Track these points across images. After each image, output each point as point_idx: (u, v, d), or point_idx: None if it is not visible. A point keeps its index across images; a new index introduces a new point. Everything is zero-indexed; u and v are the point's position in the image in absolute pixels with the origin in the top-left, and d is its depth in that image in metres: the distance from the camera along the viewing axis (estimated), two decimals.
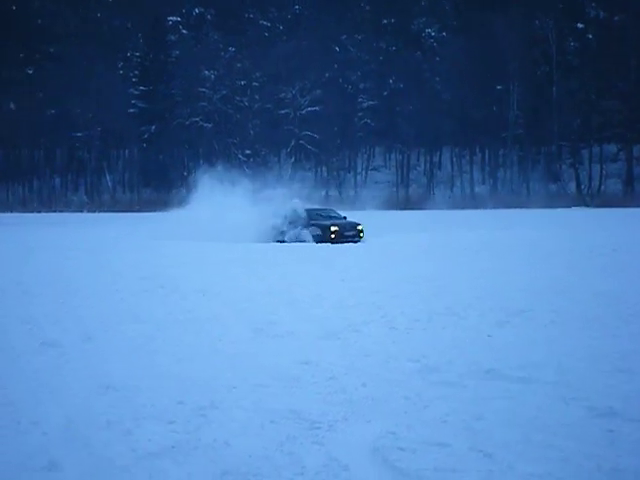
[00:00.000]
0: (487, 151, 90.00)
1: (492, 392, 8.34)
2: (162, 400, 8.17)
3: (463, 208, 72.16)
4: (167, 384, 8.85)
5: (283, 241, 33.88)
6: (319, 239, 33.51)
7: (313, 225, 34.21)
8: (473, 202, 78.70)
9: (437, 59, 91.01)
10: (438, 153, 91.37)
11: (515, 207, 71.56)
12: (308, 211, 35.27)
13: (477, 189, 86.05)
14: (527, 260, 24.20)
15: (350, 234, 33.73)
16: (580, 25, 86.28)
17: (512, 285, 17.65)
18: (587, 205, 73.63)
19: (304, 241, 33.50)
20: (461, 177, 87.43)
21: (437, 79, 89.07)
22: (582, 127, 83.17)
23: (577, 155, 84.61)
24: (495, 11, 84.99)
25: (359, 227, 34.09)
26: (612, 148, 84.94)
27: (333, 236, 33.45)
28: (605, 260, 24.19)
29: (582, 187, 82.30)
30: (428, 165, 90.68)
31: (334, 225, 34.03)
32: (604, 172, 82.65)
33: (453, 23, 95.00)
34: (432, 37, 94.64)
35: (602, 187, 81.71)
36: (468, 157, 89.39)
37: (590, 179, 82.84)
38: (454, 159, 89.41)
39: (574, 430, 6.97)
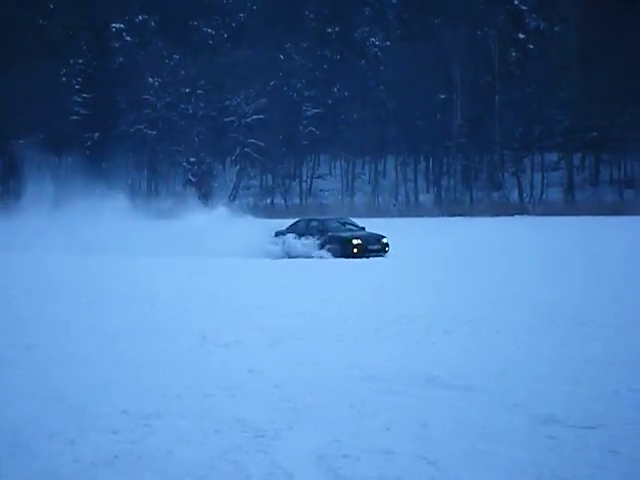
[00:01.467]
0: (431, 159, 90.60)
1: (437, 400, 8.39)
2: (106, 409, 8.11)
3: (407, 216, 72.62)
4: (111, 393, 8.78)
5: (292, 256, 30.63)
6: (338, 253, 30.04)
7: (330, 238, 30.75)
8: (417, 210, 79.21)
9: (381, 68, 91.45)
10: (383, 161, 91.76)
11: (458, 215, 72.11)
12: (323, 222, 32.40)
13: (421, 197, 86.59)
14: (473, 269, 24.39)
15: (375, 248, 30.44)
16: (521, 35, 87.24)
17: (459, 294, 17.78)
18: (529, 213, 74.41)
19: (317, 256, 30.17)
20: (405, 185, 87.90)
21: (381, 87, 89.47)
22: (524, 136, 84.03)
23: (519, 164, 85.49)
24: (438, 21, 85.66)
25: (384, 240, 30.76)
26: (553, 157, 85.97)
27: (356, 250, 30.13)
28: (548, 269, 24.46)
29: (524, 195, 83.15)
30: (373, 173, 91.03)
31: (356, 238, 30.65)
32: (545, 181, 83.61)
33: (397, 32, 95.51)
34: (376, 46, 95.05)
35: (543, 195, 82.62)
36: (412, 165, 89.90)
37: (532, 187, 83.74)
38: (398, 167, 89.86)
39: (517, 437, 7.04)
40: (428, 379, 9.30)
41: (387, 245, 30.59)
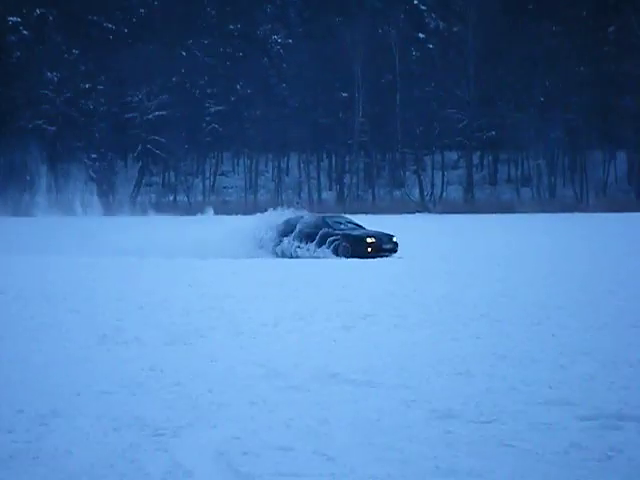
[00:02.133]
0: (334, 157, 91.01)
1: (336, 396, 8.46)
2: (1, 409, 7.97)
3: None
4: (7, 393, 8.64)
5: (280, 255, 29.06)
6: (348, 253, 28.17)
7: (341, 237, 28.76)
8: (320, 207, 79.45)
9: (284, 65, 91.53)
10: (286, 159, 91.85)
11: (361, 213, 72.57)
12: (324, 219, 30.52)
13: (324, 195, 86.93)
14: (372, 266, 24.64)
15: (388, 247, 28.69)
16: (421, 35, 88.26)
17: (357, 290, 17.93)
18: (430, 211, 75.41)
19: (314, 256, 28.46)
20: (308, 183, 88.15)
21: (284, 85, 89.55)
22: (424, 135, 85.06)
23: (420, 162, 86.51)
24: (340, 19, 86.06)
25: (394, 239, 29.01)
26: (453, 156, 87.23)
27: (370, 249, 28.30)
28: (445, 265, 24.84)
29: (425, 193, 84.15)
30: (276, 171, 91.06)
31: (370, 236, 28.84)
32: (446, 179, 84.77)
33: (299, 30, 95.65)
34: (278, 43, 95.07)
35: (444, 194, 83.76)
36: (315, 163, 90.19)
37: (432, 186, 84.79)
38: (301, 165, 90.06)
39: (414, 432, 7.13)
40: (328, 375, 9.36)
41: (397, 244, 28.85)
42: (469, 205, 76.30)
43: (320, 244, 28.80)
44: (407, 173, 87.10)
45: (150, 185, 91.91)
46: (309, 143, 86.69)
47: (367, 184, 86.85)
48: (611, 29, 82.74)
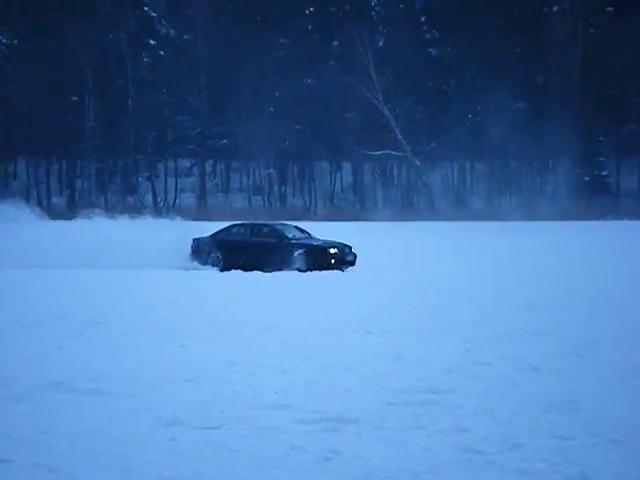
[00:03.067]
0: (64, 162, 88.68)
1: (60, 405, 8.31)
2: None
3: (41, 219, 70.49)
4: None
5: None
6: (306, 264, 26.11)
7: (297, 246, 26.72)
8: (51, 214, 77.25)
9: (10, 67, 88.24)
10: (13, 163, 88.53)
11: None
12: (274, 227, 28.48)
13: (54, 200, 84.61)
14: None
15: (350, 259, 26.92)
16: (152, 41, 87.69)
17: (154, 298, 17.65)
18: (163, 217, 75.01)
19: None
20: (37, 188, 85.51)
21: (10, 87, 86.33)
22: (157, 141, 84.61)
23: (153, 168, 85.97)
24: (68, 20, 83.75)
25: (353, 250, 27.26)
26: (186, 163, 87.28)
27: (333, 261, 26.41)
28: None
29: (158, 200, 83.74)
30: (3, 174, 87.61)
31: (333, 247, 26.82)
32: (179, 186, 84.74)
33: (23, 30, 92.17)
34: (3, 44, 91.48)
35: (177, 200, 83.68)
36: (45, 167, 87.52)
37: (166, 192, 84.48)
38: (30, 169, 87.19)
39: (140, 440, 7.13)
40: (51, 384, 9.18)
41: (356, 256, 27.09)
42: (202, 212, 76.61)
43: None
44: (140, 179, 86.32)
45: None
46: (37, 147, 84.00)
47: (99, 189, 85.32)
48: (335, 43, 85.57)
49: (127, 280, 23.22)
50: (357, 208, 79.54)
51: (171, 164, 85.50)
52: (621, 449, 6.77)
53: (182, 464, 6.44)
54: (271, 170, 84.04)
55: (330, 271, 25.40)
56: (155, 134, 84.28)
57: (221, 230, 28.64)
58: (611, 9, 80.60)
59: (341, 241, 27.59)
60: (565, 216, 64.40)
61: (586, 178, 75.56)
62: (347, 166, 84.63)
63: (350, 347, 11.91)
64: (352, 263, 26.82)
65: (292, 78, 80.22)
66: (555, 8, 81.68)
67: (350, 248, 27.11)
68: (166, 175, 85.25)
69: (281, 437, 7.19)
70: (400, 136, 78.10)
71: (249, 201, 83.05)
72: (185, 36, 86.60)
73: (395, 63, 78.78)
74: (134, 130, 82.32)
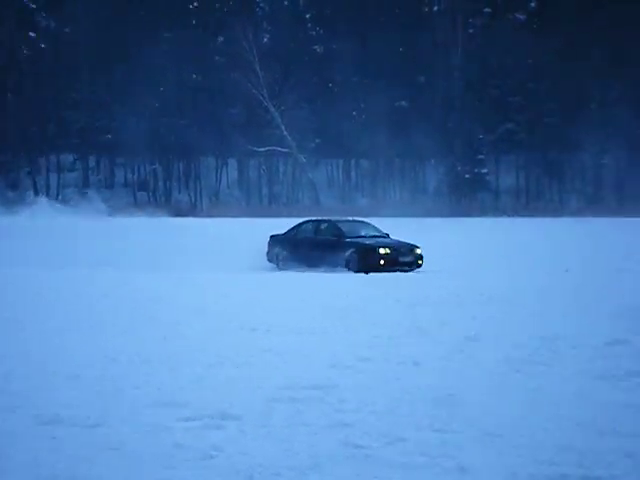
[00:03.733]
0: None
1: None
2: None
3: None
4: None
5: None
6: (357, 266, 24.68)
7: (347, 245, 25.27)
8: None
9: None
10: None
11: None
12: (336, 224, 26.66)
13: None
14: None
15: (407, 260, 25.19)
16: (32, 34, 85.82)
17: None
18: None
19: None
20: None
21: None
22: (39, 135, 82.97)
23: (34, 164, 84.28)
24: None
25: (417, 251, 25.39)
26: (69, 158, 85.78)
27: (382, 262, 24.81)
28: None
29: (40, 195, 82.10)
30: None
31: (383, 246, 25.19)
32: (62, 181, 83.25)
33: None
34: None
35: (60, 196, 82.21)
36: None
37: (48, 187, 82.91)
38: None
39: (18, 438, 7.00)
40: None
41: (421, 257, 25.22)
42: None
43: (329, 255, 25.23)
44: (21, 173, 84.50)
45: None
46: None
47: None
48: (220, 39, 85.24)
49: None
50: (243, 204, 79.47)
51: (53, 159, 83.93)
52: (499, 442, 6.93)
53: (60, 462, 6.35)
54: (156, 165, 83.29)
55: (381, 274, 23.76)
56: (36, 128, 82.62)
57: (293, 227, 27.55)
58: (489, 10, 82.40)
59: (410, 241, 25.95)
60: (447, 213, 65.57)
61: (467, 175, 77.02)
62: (233, 162, 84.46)
63: (236, 344, 11.91)
64: (411, 264, 25.10)
65: (177, 73, 79.64)
66: (435, 8, 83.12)
67: (412, 249, 25.41)
68: (48, 170, 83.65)
69: (164, 435, 7.15)
70: (286, 132, 78.34)
71: (134, 197, 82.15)
72: (66, 29, 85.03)
73: (280, 59, 79.00)
74: (14, 124, 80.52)
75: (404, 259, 25.01)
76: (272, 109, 78.46)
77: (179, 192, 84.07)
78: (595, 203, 72.36)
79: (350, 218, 30.46)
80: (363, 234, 26.28)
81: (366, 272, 23.98)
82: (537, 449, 6.69)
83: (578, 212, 67.84)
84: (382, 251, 24.87)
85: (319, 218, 29.24)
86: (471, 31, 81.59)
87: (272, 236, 27.39)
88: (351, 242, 25.33)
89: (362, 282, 21.84)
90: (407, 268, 24.87)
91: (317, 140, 79.27)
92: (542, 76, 74.82)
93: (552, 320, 14.41)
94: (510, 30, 77.25)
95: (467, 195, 76.48)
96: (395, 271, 24.26)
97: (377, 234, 26.56)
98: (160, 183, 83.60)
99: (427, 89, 79.26)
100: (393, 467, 6.28)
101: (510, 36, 75.18)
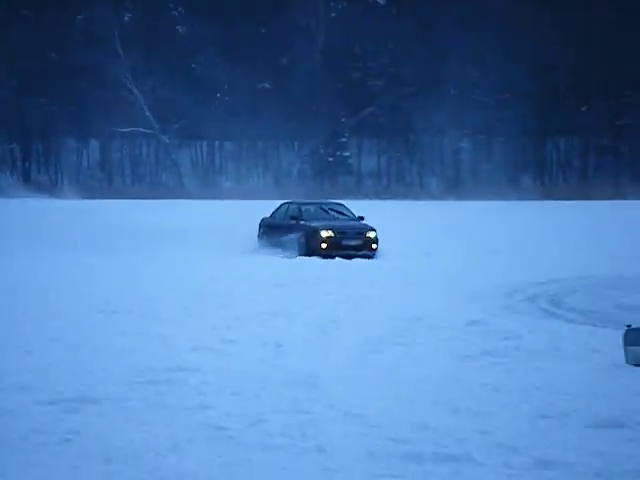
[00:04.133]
0: None
1: None
2: None
3: None
4: None
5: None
6: (303, 250, 23.16)
7: (300, 228, 23.84)
8: None
9: None
10: None
11: None
12: (299, 206, 25.36)
13: None
14: None
15: (353, 244, 23.26)
16: None
17: None
18: None
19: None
20: None
21: None
22: None
23: None
24: None
25: (369, 234, 23.39)
26: None
27: (324, 245, 23.12)
28: None
29: None
30: None
31: (326, 228, 23.37)
32: None
33: None
34: None
35: None
36: None
37: None
38: None
39: None
40: None
41: (374, 241, 23.23)
42: None
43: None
44: None
45: None
46: None
47: None
48: (80, 17, 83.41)
49: None
50: (105, 185, 78.21)
51: None
52: (357, 422, 7.05)
53: None
54: (14, 145, 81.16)
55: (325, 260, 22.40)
56: None
57: (275, 209, 26.24)
58: None
59: (368, 225, 24.07)
60: (310, 196, 65.96)
61: (330, 159, 77.53)
62: (95, 143, 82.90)
63: (96, 327, 11.76)
64: (358, 248, 23.17)
65: (37, 52, 77.58)
66: None
67: (361, 232, 23.63)
68: None
69: (20, 419, 7.02)
70: (148, 113, 77.33)
71: None
72: None
73: (142, 39, 77.89)
74: None
75: (349, 242, 23.30)
76: (135, 90, 77.29)
77: (38, 172, 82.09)
78: (454, 186, 73.85)
79: (325, 200, 29.42)
80: (325, 217, 24.75)
81: (309, 256, 22.70)
82: (394, 428, 6.83)
83: (438, 195, 69.20)
84: (324, 234, 23.22)
85: (295, 201, 27.72)
86: (333, 15, 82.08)
87: (262, 219, 26.28)
88: (303, 225, 24.00)
89: (235, 265, 21.47)
90: (353, 252, 22.97)
91: (181, 121, 78.49)
92: (402, 61, 75.78)
93: (412, 301, 14.69)
94: (371, 15, 78.03)
95: (330, 178, 77.05)
96: (343, 256, 22.62)
97: (343, 217, 24.90)
98: (18, 163, 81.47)
99: (290, 72, 79.34)
100: (253, 448, 6.32)
101: (371, 21, 75.95)
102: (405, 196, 70.19)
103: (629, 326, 9.36)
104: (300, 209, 25.14)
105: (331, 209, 25.48)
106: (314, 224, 23.76)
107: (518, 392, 8.09)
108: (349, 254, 22.75)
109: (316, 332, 11.55)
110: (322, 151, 77.42)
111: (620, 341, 9.34)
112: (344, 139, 78.68)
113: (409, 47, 74.50)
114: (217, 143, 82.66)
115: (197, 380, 8.55)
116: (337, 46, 78.14)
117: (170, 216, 34.19)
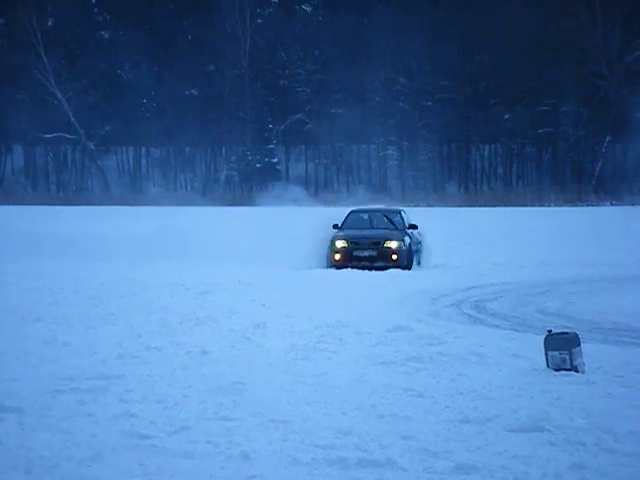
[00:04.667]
0: None
1: None
2: None
3: None
4: None
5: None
6: (326, 261, 22.07)
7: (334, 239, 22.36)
8: None
9: None
10: None
11: None
12: (350, 213, 23.71)
13: None
14: None
15: (365, 255, 21.80)
16: None
17: None
18: None
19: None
20: None
21: None
22: None
23: None
24: None
25: (389, 244, 21.99)
26: None
27: (338, 257, 21.84)
28: None
29: None
30: None
31: (342, 238, 22.06)
32: None
33: None
34: None
35: None
36: None
37: None
38: None
39: None
40: None
41: (394, 252, 21.73)
42: None
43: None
44: None
45: None
46: None
47: None
48: (1, 21, 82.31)
49: None
50: (29, 192, 77.09)
51: None
52: (282, 428, 7.06)
53: None
54: None
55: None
56: None
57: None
58: (276, 0, 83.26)
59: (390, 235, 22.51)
60: (238, 202, 65.80)
61: (258, 165, 77.48)
62: (18, 148, 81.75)
63: (17, 334, 11.59)
64: (373, 260, 21.77)
65: None
66: None
67: (377, 242, 22.22)
68: None
69: None
70: (73, 119, 76.48)
71: None
72: None
73: (66, 44, 77.09)
74: None
75: (360, 254, 21.90)
76: (59, 95, 76.37)
77: None
78: (381, 192, 74.25)
79: (382, 207, 28.13)
80: (363, 225, 23.50)
81: (338, 268, 21.58)
82: (319, 434, 6.85)
83: (365, 202, 69.44)
84: (339, 244, 22.07)
85: (358, 208, 25.83)
86: (259, 21, 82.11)
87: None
88: (334, 235, 22.58)
89: (163, 272, 21.32)
90: (368, 264, 21.58)
91: (107, 127, 77.79)
92: (329, 68, 76.06)
93: (337, 308, 14.74)
94: (297, 21, 78.25)
95: (258, 184, 76.95)
96: (361, 268, 21.35)
97: (387, 225, 23.15)
98: None
99: (217, 78, 79.14)
100: (177, 456, 6.29)
101: (297, 27, 76.15)
102: (333, 203, 70.42)
103: (550, 331, 9.52)
104: (347, 216, 23.69)
105: (385, 216, 23.71)
106: (341, 233, 22.55)
107: (442, 397, 8.17)
108: (364, 265, 21.52)
109: (242, 338, 11.53)
110: (250, 157, 77.30)
111: (541, 346, 9.49)
112: (272, 145, 78.71)
113: (335, 54, 74.83)
114: (144, 149, 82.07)
115: (121, 388, 8.48)
116: (264, 53, 78.19)
117: (93, 224, 33.87)
